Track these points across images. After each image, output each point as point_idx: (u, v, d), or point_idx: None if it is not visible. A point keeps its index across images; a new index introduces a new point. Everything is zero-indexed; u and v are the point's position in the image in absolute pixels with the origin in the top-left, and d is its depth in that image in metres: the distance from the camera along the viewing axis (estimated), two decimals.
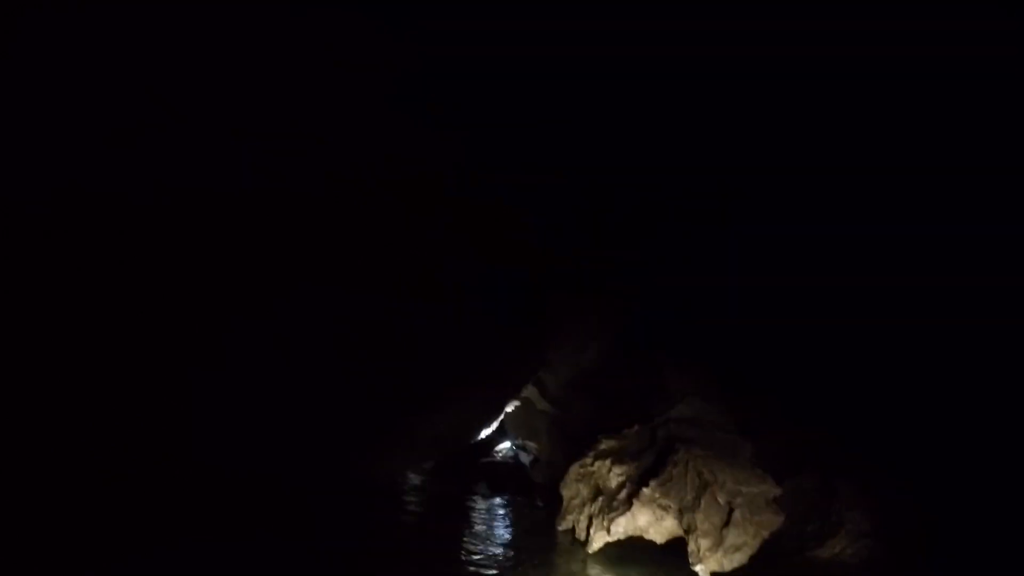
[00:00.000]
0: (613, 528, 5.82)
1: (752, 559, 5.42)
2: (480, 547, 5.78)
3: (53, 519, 4.03)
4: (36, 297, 4.00)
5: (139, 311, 4.41)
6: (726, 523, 5.47)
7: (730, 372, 6.83)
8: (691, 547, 5.50)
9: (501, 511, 7.86)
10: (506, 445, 10.89)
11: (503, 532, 6.72)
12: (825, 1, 4.88)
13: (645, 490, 5.84)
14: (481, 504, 8.08)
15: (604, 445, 6.59)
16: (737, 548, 5.39)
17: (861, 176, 5.79)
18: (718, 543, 5.41)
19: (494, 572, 5.03)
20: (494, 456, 10.77)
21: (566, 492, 6.62)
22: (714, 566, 5.38)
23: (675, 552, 5.70)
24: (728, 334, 6.70)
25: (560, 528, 6.55)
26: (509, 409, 9.28)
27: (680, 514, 5.71)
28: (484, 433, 9.69)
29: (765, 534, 5.48)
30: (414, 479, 8.47)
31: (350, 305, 5.46)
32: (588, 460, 6.53)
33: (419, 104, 5.20)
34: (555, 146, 6.35)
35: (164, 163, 4.18)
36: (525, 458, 10.49)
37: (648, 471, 6.09)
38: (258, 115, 4.49)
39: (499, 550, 5.80)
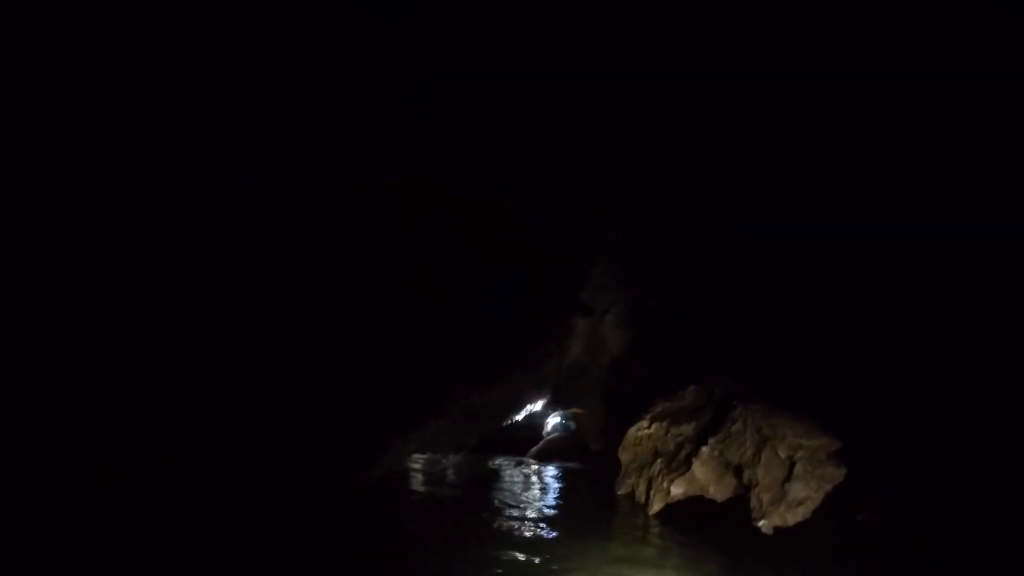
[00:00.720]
0: (673, 489, 5.75)
1: (815, 514, 5.23)
2: (535, 514, 5.74)
3: (53, 519, 4.03)
4: (36, 297, 4.00)
5: (139, 311, 4.41)
6: (788, 477, 5.30)
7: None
8: (753, 502, 5.36)
9: (555, 480, 7.86)
10: (557, 419, 10.89)
11: (560, 499, 6.69)
12: (825, 1, 4.88)
13: (704, 448, 5.72)
14: (532, 474, 8.09)
15: (660, 407, 6.49)
16: (800, 502, 5.25)
17: (861, 176, 5.78)
18: (780, 497, 5.25)
19: (556, 534, 4.99)
20: (545, 431, 10.83)
21: (624, 456, 6.56)
22: (777, 521, 5.24)
23: (737, 510, 5.61)
24: (728, 334, 6.69)
25: (620, 492, 6.52)
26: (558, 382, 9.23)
27: (740, 470, 5.55)
28: (530, 408, 9.60)
29: (828, 487, 5.28)
30: (454, 459, 8.46)
31: (350, 305, 5.45)
32: (644, 423, 6.42)
33: (419, 104, 5.19)
34: (555, 146, 6.34)
35: (164, 163, 4.18)
36: (575, 427, 10.50)
37: (706, 429, 5.95)
38: (258, 115, 4.49)
39: (558, 515, 5.75)
